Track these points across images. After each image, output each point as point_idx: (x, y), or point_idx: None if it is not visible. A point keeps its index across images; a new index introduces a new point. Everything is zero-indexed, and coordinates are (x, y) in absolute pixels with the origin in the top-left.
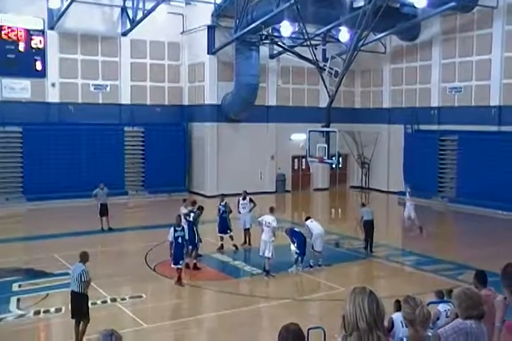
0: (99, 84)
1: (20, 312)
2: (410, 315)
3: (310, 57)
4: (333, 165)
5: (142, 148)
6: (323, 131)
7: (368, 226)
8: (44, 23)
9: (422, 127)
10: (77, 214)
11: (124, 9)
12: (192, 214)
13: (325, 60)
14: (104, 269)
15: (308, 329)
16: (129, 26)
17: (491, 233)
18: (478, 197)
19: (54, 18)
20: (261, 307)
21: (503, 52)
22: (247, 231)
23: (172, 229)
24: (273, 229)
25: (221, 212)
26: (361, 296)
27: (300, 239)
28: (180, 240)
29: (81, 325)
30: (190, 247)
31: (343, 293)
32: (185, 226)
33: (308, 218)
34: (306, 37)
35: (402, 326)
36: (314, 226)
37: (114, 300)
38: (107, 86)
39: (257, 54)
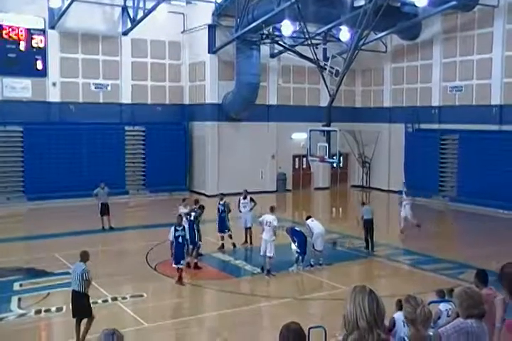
0: (100, 83)
1: (21, 311)
2: (411, 315)
3: (311, 56)
4: (334, 165)
5: (143, 147)
6: (323, 130)
7: (368, 226)
8: (45, 22)
9: (423, 126)
10: (77, 213)
11: (124, 8)
12: (193, 214)
13: (326, 59)
14: (105, 268)
15: (309, 328)
16: (129, 25)
17: (491, 232)
18: (479, 196)
19: (55, 18)
20: (262, 306)
21: (503, 51)
22: (248, 230)
23: (173, 228)
24: (274, 228)
25: (220, 211)
26: (361, 295)
27: (301, 238)
28: (180, 240)
29: (83, 323)
30: (191, 247)
31: (344, 292)
32: (186, 226)
33: (308, 217)
34: (306, 36)
35: (404, 325)
36: (315, 225)
37: (115, 299)
38: (108, 85)
39: (258, 53)
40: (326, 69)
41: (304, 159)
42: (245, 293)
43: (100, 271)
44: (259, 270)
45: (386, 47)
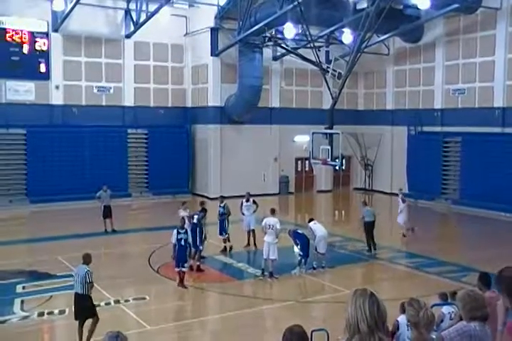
0: (103, 86)
1: (24, 313)
2: (414, 318)
3: (313, 59)
4: (337, 167)
5: (146, 150)
6: (326, 133)
7: (369, 228)
8: (48, 25)
9: (426, 129)
10: (80, 216)
11: (127, 11)
12: (196, 216)
13: (328, 61)
14: (107, 271)
15: (312, 331)
16: (132, 28)
17: (494, 235)
18: (481, 199)
19: (58, 21)
20: (264, 309)
21: (506, 54)
22: (251, 232)
23: (175, 231)
24: (277, 231)
25: (220, 213)
26: (362, 298)
27: (303, 241)
28: (182, 243)
29: (85, 325)
30: (194, 250)
31: (347, 295)
32: (188, 229)
33: (311, 220)
34: (309, 39)
35: (408, 329)
36: (317, 228)
37: (117, 301)
38: (111, 88)
39: (261, 56)
40: (328, 71)
41: (307, 162)
42: (248, 296)
43: (103, 274)
44: (259, 273)
45: (388, 49)
